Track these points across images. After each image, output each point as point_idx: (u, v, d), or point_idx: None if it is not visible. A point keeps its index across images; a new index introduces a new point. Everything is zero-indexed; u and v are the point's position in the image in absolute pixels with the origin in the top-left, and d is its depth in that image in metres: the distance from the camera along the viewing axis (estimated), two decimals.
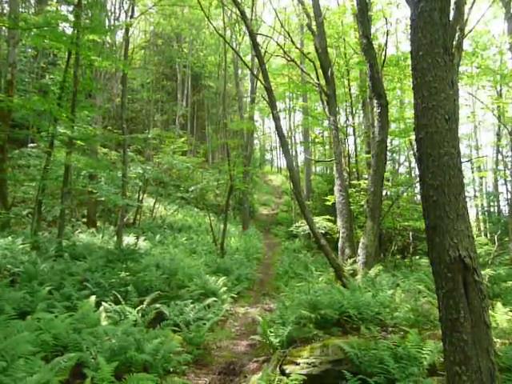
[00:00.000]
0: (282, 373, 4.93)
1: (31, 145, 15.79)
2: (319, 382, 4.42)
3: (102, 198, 14.25)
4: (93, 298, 6.57)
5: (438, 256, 2.51)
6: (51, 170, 11.31)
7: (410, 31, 2.84)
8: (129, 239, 12.87)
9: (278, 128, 9.29)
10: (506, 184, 21.36)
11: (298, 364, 4.88)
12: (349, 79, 15.73)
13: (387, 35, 10.88)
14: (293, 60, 12.60)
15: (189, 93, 30.32)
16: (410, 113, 15.16)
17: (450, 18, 7.61)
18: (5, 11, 18.01)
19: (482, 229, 23.00)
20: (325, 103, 11.66)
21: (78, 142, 13.11)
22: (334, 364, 4.62)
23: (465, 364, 2.32)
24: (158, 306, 6.86)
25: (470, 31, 11.05)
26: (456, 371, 2.35)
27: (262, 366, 5.38)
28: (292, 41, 12.61)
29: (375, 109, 9.51)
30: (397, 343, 4.58)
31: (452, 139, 2.57)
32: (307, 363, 4.79)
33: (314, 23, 11.73)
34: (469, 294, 2.41)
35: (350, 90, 16.20)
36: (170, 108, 29.84)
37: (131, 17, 13.47)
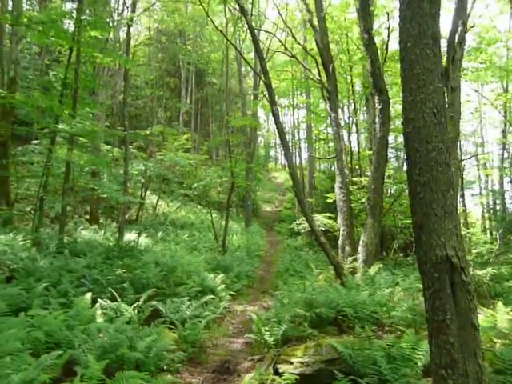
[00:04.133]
0: (276, 372, 4.87)
1: (34, 141, 15.81)
2: (312, 381, 4.36)
3: (105, 195, 14.24)
4: (89, 294, 6.53)
5: (424, 255, 2.42)
6: (53, 166, 11.31)
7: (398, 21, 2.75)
8: (130, 236, 12.85)
9: (278, 124, 9.21)
10: (511, 182, 21.12)
11: (291, 363, 4.82)
12: (352, 75, 15.58)
13: (389, 31, 10.75)
14: (294, 56, 12.49)
15: (192, 90, 30.25)
16: None
17: (452, 11, 7.42)
18: (9, 8, 17.99)
19: (488, 227, 22.78)
20: (326, 100, 11.55)
21: (80, 138, 13.09)
22: (327, 364, 4.55)
23: (451, 367, 2.23)
24: (154, 303, 6.81)
25: (473, 26, 10.88)
26: (442, 375, 2.26)
27: (256, 364, 5.32)
28: (294, 37, 12.51)
29: (376, 105, 9.41)
30: (391, 343, 4.50)
31: (440, 134, 2.47)
32: (301, 362, 4.73)
33: (315, 18, 11.60)
34: (456, 294, 2.32)
35: (353, 86, 16.05)
36: (174, 105, 29.78)
37: (133, 11, 13.41)
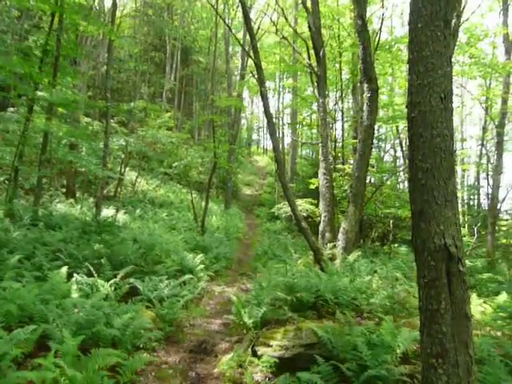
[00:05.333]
0: (254, 354, 4.85)
1: (11, 109, 15.22)
2: (291, 365, 4.35)
3: (83, 169, 13.87)
4: (64, 268, 6.35)
5: (422, 243, 2.38)
6: (29, 136, 10.91)
7: (409, 1, 2.64)
8: (108, 211, 12.60)
9: (265, 106, 9.06)
10: (487, 178, 21.58)
11: (270, 346, 4.80)
12: (340, 62, 15.46)
13: (382, 19, 10.68)
14: (285, 38, 12.30)
15: (178, 67, 29.61)
16: (399, 100, 15.06)
17: None
18: None
19: (462, 221, 23.31)
20: (315, 84, 11.44)
21: (59, 109, 12.63)
22: (307, 348, 4.54)
23: (442, 357, 2.22)
24: (131, 280, 6.69)
25: (467, 19, 10.91)
26: (432, 364, 2.25)
27: (234, 346, 5.29)
28: (286, 18, 12.29)
29: (365, 93, 9.35)
30: (371, 330, 4.52)
31: (446, 120, 2.41)
32: (280, 346, 4.71)
33: (308, 1, 11.39)
34: (452, 284, 2.29)
35: (341, 73, 15.93)
36: (158, 81, 29.12)
37: None
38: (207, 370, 4.90)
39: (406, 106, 2.56)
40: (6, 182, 13.46)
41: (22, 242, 7.57)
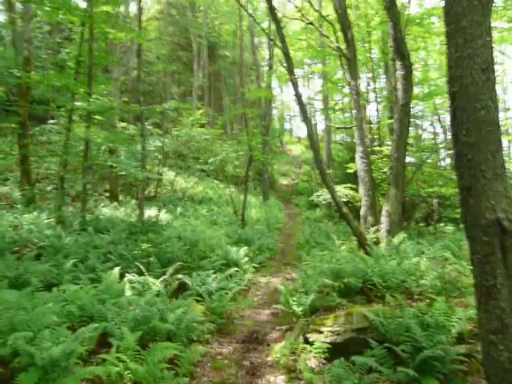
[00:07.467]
0: (306, 341, 4.90)
1: (51, 121, 15.88)
2: (344, 350, 4.36)
3: (123, 173, 14.28)
4: (116, 269, 6.63)
5: (472, 219, 2.32)
6: (71, 145, 11.36)
7: None
8: (150, 212, 12.96)
9: (297, 94, 8.99)
10: None
11: (321, 332, 4.83)
12: (370, 41, 15.08)
13: None
14: (311, 23, 12.09)
15: (205, 63, 29.83)
16: (434, 75, 14.54)
17: None
18: None
19: None
20: (345, 68, 11.23)
21: (96, 116, 13.04)
22: (359, 332, 4.54)
23: (501, 333, 2.17)
24: (180, 276, 6.90)
25: None
26: (491, 340, 2.21)
27: (285, 334, 5.36)
28: (310, 2, 12.09)
29: (398, 71, 9.08)
30: (423, 311, 4.45)
31: (489, 91, 2.33)
32: (331, 331, 4.73)
33: None
34: (507, 258, 2.24)
35: (370, 53, 15.55)
36: (187, 80, 29.46)
37: None
38: (261, 358, 4.99)
39: (447, 82, 2.49)
40: (54, 191, 14.12)
41: (74, 246, 7.94)
